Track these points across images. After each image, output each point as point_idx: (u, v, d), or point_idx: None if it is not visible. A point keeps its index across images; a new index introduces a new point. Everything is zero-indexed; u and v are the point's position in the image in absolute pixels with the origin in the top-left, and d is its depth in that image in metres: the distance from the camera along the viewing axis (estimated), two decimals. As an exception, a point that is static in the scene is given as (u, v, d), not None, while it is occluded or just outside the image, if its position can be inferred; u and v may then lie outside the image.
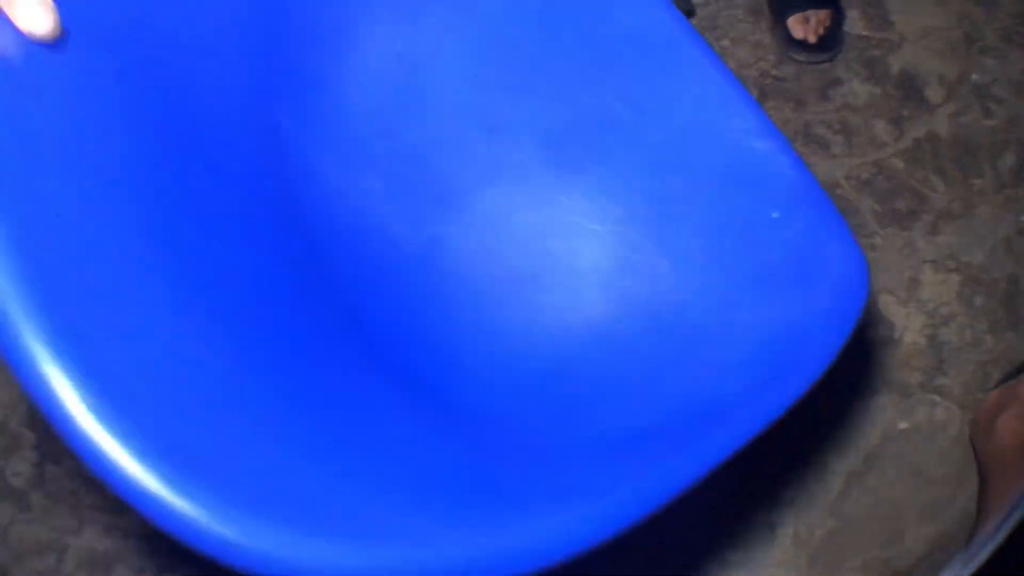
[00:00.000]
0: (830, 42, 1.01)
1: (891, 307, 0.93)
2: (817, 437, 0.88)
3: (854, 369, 0.90)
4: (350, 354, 0.46)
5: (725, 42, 1.02)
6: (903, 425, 0.89)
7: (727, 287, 0.54)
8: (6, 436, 0.87)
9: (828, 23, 1.00)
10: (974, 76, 1.03)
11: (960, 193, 0.98)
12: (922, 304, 0.93)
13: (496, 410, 0.51)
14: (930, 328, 0.93)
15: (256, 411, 0.37)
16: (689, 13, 1.02)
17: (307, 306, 0.46)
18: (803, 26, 0.99)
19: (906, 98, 1.01)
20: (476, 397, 0.51)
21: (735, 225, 0.55)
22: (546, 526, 0.36)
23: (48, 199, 0.33)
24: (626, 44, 0.55)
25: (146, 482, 0.31)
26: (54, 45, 0.36)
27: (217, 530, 0.32)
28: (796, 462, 0.87)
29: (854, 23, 1.05)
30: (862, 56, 1.03)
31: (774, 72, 1.01)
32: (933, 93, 1.02)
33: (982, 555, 0.49)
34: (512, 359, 0.53)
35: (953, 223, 0.97)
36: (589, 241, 0.56)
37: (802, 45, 1.00)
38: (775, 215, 0.54)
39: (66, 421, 0.31)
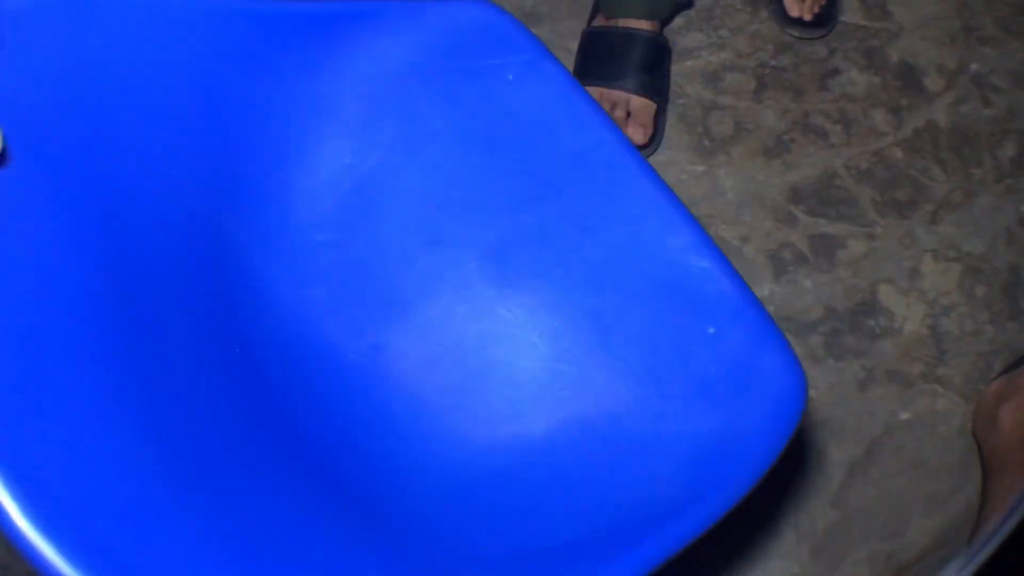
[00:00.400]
0: (825, 19, 1.01)
1: (891, 297, 0.93)
2: (817, 427, 0.87)
3: (854, 359, 0.90)
4: (284, 464, 0.48)
5: (723, 32, 1.01)
6: (904, 415, 0.88)
7: (662, 399, 0.56)
8: None
9: (823, 1, 1.00)
10: (973, 66, 1.02)
11: (960, 183, 0.97)
12: (923, 294, 0.93)
13: (427, 520, 0.52)
14: (931, 318, 0.92)
15: (185, 526, 0.38)
16: (688, 4, 1.01)
17: (244, 415, 0.48)
18: (799, 4, 0.99)
19: (905, 88, 1.01)
20: (406, 506, 0.52)
21: (671, 340, 0.57)
22: None
23: None
24: (569, 165, 0.58)
25: None
26: None
27: None
28: (797, 452, 0.86)
29: (853, 13, 1.04)
30: (861, 46, 1.02)
31: (772, 62, 1.01)
32: (932, 83, 1.01)
33: (983, 555, 0.49)
34: (446, 469, 0.55)
35: (953, 213, 0.96)
36: (527, 353, 0.59)
37: (798, 22, 1.01)
38: (711, 331, 0.55)
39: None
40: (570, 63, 0.98)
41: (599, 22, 0.97)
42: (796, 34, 1.01)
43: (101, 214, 0.41)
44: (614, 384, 0.56)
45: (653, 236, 0.57)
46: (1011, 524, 0.49)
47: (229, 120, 0.50)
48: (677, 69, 1.00)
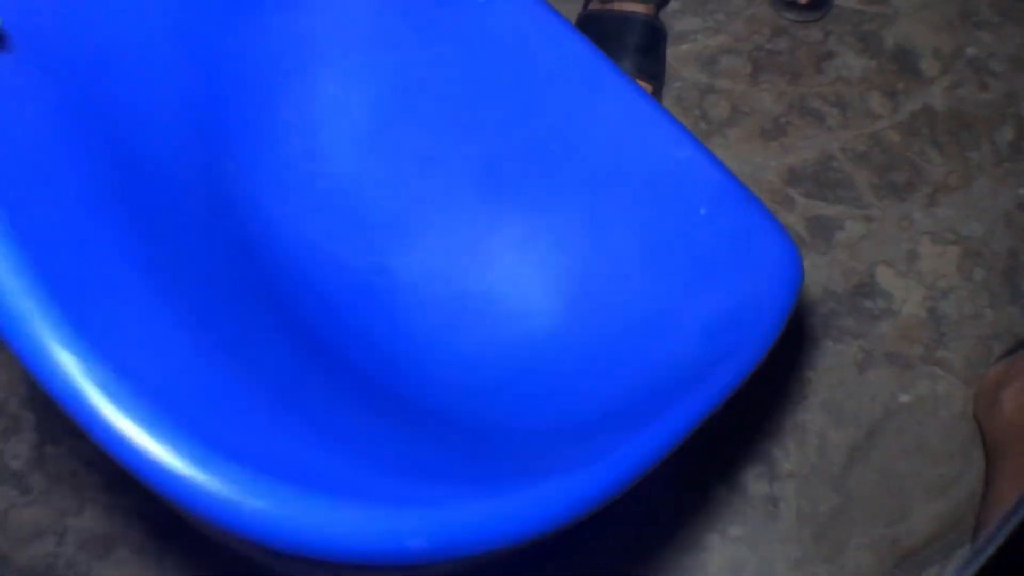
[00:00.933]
0: (820, 2, 1.01)
1: (889, 279, 0.92)
2: (817, 409, 0.86)
3: (852, 340, 0.88)
4: (299, 343, 0.50)
5: (719, 16, 1.01)
6: (904, 398, 0.87)
7: (665, 281, 0.58)
8: (5, 417, 0.85)
9: None
10: (970, 50, 1.02)
11: (957, 166, 0.97)
12: (921, 276, 0.92)
13: (460, 409, 0.54)
14: (930, 301, 0.91)
15: (259, 399, 0.39)
16: None
17: (257, 302, 0.50)
18: None
19: (901, 71, 1.00)
20: (438, 401, 0.54)
21: (666, 227, 0.59)
22: (528, 495, 0.38)
23: (34, 198, 0.36)
24: (548, 79, 0.61)
25: (169, 459, 0.32)
26: None
27: (233, 497, 0.33)
28: (797, 435, 0.85)
29: (848, -3, 1.04)
30: (856, 30, 1.02)
31: (768, 46, 1.00)
32: (928, 66, 1.01)
33: (985, 555, 0.48)
34: (470, 365, 0.57)
35: (951, 196, 0.95)
36: (532, 257, 0.61)
37: (793, 6, 1.00)
38: (702, 212, 0.58)
39: (88, 410, 0.32)
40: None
41: (595, 5, 0.96)
42: (792, 17, 1.00)
43: (100, 113, 0.42)
44: (617, 274, 0.58)
45: (634, 135, 0.59)
46: (1012, 525, 0.47)
47: (217, 55, 0.50)
48: (673, 53, 0.99)
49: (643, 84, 0.92)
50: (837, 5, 1.03)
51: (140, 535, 0.82)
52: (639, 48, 0.93)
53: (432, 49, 0.60)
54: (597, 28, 0.94)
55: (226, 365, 0.39)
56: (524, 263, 0.60)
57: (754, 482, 0.83)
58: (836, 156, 0.96)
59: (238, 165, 0.53)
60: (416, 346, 0.56)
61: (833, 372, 0.87)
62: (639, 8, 0.94)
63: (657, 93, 0.94)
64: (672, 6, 1.01)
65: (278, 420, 0.39)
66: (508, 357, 0.57)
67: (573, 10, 0.98)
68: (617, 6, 0.94)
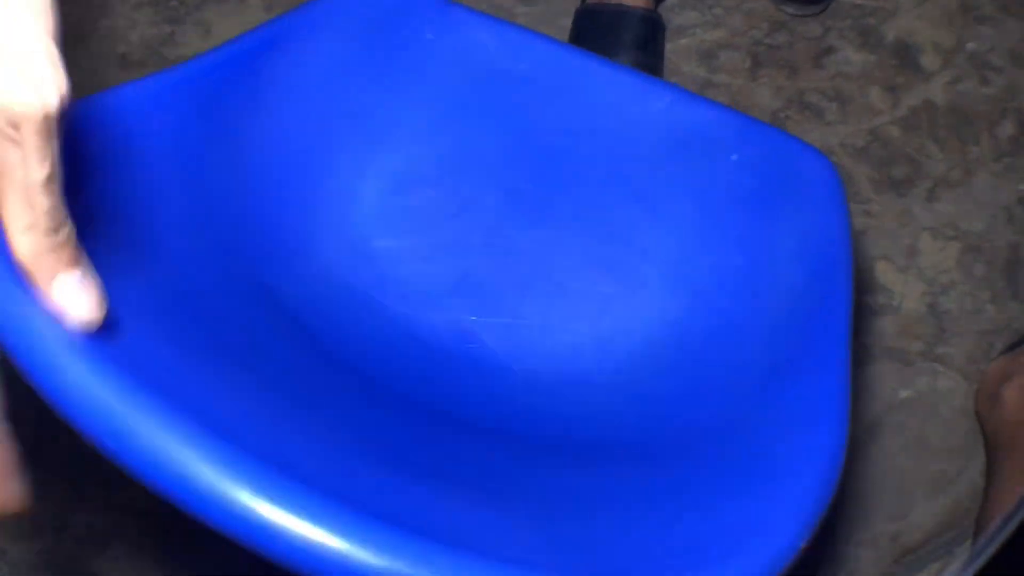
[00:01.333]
0: None
1: (889, 274, 0.91)
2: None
3: (852, 335, 0.88)
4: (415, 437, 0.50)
5: (718, 10, 1.00)
6: (904, 394, 0.87)
7: (718, 230, 0.59)
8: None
9: None
10: (970, 45, 1.01)
11: (958, 161, 0.96)
12: (921, 272, 0.91)
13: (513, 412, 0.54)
14: (930, 296, 0.90)
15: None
16: None
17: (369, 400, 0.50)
18: None
19: (901, 66, 1.00)
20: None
21: (704, 182, 0.60)
22: None
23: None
24: (526, 89, 0.61)
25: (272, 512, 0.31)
26: None
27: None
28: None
29: (847, -8, 1.03)
30: (856, 24, 1.01)
31: (767, 40, 0.99)
32: (929, 61, 1.00)
33: (987, 552, 0.47)
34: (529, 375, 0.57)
35: (951, 191, 0.95)
36: (612, 262, 0.61)
37: (793, 0, 1.00)
38: (734, 158, 0.59)
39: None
40: (563, 40, 0.96)
41: (592, -1, 0.96)
42: (791, 11, 1.00)
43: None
44: (670, 241, 0.59)
45: (637, 108, 0.59)
46: (1014, 523, 0.47)
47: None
48: (671, 47, 0.98)
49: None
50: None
51: (137, 531, 0.82)
52: (637, 42, 0.92)
53: (409, 99, 0.61)
54: (596, 22, 0.94)
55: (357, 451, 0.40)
56: (616, 279, 0.60)
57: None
58: (835, 151, 0.95)
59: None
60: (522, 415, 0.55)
61: (833, 368, 0.87)
62: (638, 2, 0.93)
63: (655, 88, 0.94)
64: (671, 0, 1.01)
65: (412, 490, 0.38)
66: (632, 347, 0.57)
67: (572, 4, 0.98)
68: (616, 0, 0.93)
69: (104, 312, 0.33)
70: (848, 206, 0.54)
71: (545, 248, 0.61)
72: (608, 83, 0.61)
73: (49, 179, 0.29)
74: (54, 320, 0.31)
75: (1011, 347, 0.87)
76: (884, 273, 0.91)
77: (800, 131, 0.96)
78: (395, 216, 0.60)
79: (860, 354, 0.88)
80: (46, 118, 0.29)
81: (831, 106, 0.97)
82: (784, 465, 0.38)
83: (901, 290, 0.90)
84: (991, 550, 0.44)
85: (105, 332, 0.33)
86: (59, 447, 0.84)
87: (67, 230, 0.31)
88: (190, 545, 0.82)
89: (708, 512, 0.37)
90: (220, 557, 0.82)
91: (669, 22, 0.99)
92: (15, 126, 0.28)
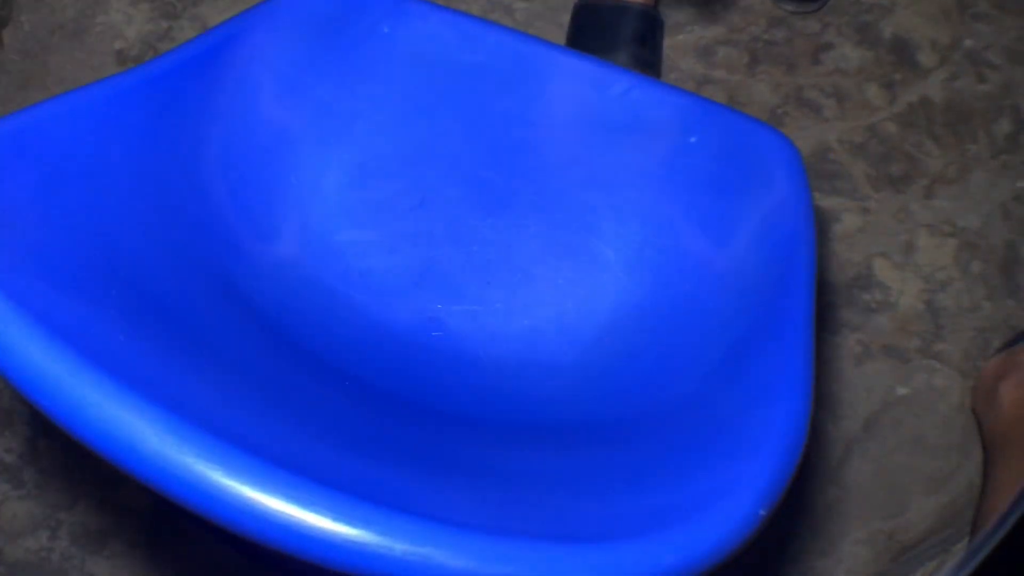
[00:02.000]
0: None
1: (886, 271, 0.91)
2: (813, 402, 0.85)
3: (849, 333, 0.88)
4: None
5: (715, 6, 1.00)
6: (902, 391, 0.87)
7: (685, 209, 0.60)
8: (-8, 411, 0.84)
9: None
10: (967, 42, 1.01)
11: (955, 158, 0.96)
12: (918, 268, 0.91)
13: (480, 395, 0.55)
14: (927, 293, 0.90)
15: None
16: None
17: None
18: None
19: (899, 63, 1.00)
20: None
21: (662, 167, 0.60)
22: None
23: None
24: (480, 77, 0.62)
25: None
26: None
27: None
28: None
29: (845, -11, 1.03)
30: (854, 21, 1.01)
31: (765, 36, 0.99)
32: (926, 58, 1.00)
33: (985, 550, 0.47)
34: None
35: (948, 188, 0.95)
36: (573, 247, 0.62)
37: None
38: (693, 140, 0.60)
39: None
40: (562, 37, 0.96)
41: (590, -5, 0.96)
42: (790, 8, 1.00)
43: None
44: (631, 225, 0.59)
45: (594, 95, 0.60)
46: (1012, 520, 0.47)
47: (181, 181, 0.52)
48: (669, 43, 0.98)
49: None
50: (834, -4, 1.02)
51: (132, 530, 0.82)
52: (636, 38, 0.92)
53: (367, 92, 0.61)
54: (594, 18, 0.93)
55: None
56: (572, 257, 0.61)
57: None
58: (833, 148, 0.95)
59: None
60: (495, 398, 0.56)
61: (830, 365, 0.87)
62: (635, -2, 0.93)
63: (653, 84, 0.94)
64: (668, -3, 1.00)
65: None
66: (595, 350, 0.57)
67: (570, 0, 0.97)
68: (613, -4, 0.93)
69: None
70: (809, 184, 0.54)
71: (507, 236, 0.61)
72: (565, 71, 0.62)
73: None
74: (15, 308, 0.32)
75: (1008, 344, 0.87)
76: (882, 270, 0.91)
77: (798, 127, 0.96)
78: (358, 209, 0.60)
79: (857, 351, 0.87)
80: None
81: (829, 102, 0.97)
82: (746, 438, 0.38)
83: (898, 286, 0.90)
84: (988, 548, 0.44)
85: (68, 323, 0.33)
86: (55, 445, 0.84)
87: None
88: (184, 544, 0.82)
89: (671, 484, 0.38)
90: (213, 556, 0.81)
91: (667, 18, 0.99)
92: None
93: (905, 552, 0.83)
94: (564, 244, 0.60)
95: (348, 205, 0.60)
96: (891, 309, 0.89)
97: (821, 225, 0.92)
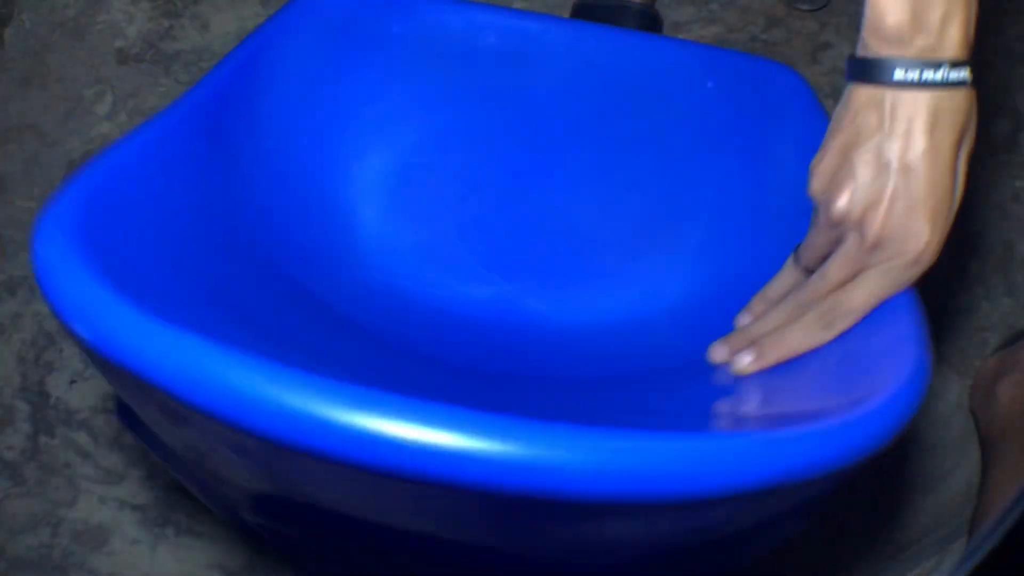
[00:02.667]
0: None
1: (886, 271, 0.91)
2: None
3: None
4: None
5: (714, 6, 1.00)
6: (900, 390, 0.87)
7: (711, 154, 0.63)
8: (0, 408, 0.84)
9: None
10: None
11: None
12: (917, 268, 0.91)
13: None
14: (923, 293, 0.90)
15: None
16: None
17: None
18: None
19: (897, 63, 1.00)
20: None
21: (690, 118, 0.63)
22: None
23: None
24: (494, 62, 0.64)
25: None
26: None
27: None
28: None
29: (844, -12, 1.03)
30: (853, 21, 1.01)
31: (764, 36, 0.99)
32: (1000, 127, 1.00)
33: (983, 550, 0.47)
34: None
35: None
36: (630, 211, 0.64)
37: None
38: (710, 85, 0.62)
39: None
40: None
41: (589, -6, 0.96)
42: (806, 7, 1.00)
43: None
44: (680, 179, 0.62)
45: (606, 60, 0.62)
46: (1010, 520, 0.47)
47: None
48: (668, 43, 0.99)
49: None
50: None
51: (133, 526, 0.82)
52: (634, 38, 0.93)
53: (387, 85, 0.62)
54: (592, 16, 0.94)
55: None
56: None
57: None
58: (832, 147, 0.96)
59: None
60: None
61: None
62: (635, -2, 0.93)
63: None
64: (667, -4, 1.01)
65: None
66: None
67: None
68: (613, -5, 0.93)
69: None
70: (824, 113, 0.56)
71: (559, 211, 0.62)
72: (575, 40, 0.64)
73: None
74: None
75: (1005, 344, 0.87)
76: (879, 269, 0.91)
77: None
78: (411, 209, 0.61)
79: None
80: None
81: (828, 102, 0.97)
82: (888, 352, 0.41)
83: (896, 286, 0.91)
84: (986, 547, 0.44)
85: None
86: (55, 442, 0.85)
87: None
88: (187, 539, 0.82)
89: (834, 388, 0.41)
90: (216, 551, 0.82)
91: (666, 17, 0.99)
92: None
93: (902, 551, 0.83)
94: (621, 210, 0.62)
95: (402, 206, 0.61)
96: (889, 308, 0.90)
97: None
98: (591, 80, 0.63)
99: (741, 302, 0.50)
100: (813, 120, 0.56)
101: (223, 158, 0.50)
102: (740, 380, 0.45)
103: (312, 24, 0.59)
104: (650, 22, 0.94)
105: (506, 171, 0.63)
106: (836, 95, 0.97)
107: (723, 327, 0.50)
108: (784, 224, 0.54)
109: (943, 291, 0.90)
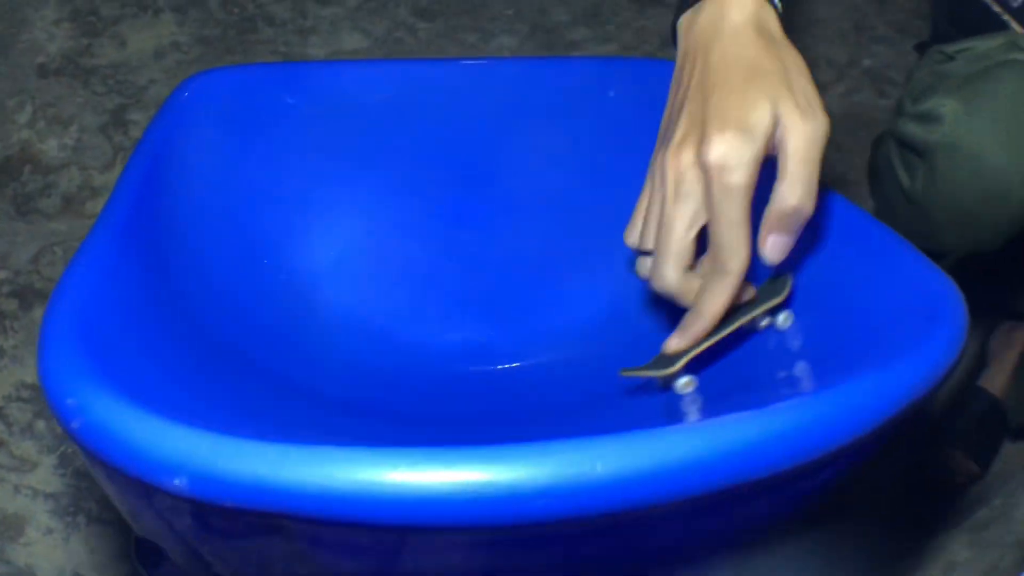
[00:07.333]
0: None
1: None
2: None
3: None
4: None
5: (609, 27, 1.04)
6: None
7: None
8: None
9: None
10: (866, 61, 1.02)
11: (855, 163, 0.95)
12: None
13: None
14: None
15: None
16: None
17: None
18: None
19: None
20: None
21: (610, 120, 0.61)
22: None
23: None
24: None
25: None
26: None
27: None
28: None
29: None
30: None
31: (658, 55, 1.02)
32: (822, 74, 1.01)
33: None
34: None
35: (848, 191, 0.93)
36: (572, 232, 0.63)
37: None
38: (611, 94, 0.61)
39: None
40: (462, 54, 0.99)
41: None
42: None
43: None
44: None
45: (502, 91, 0.62)
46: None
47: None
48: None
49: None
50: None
51: (46, 515, 0.78)
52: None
53: (356, 147, 0.63)
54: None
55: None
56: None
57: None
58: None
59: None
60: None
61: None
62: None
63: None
64: (562, 18, 1.04)
65: None
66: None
67: (471, 23, 1.02)
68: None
69: None
70: None
71: (503, 245, 0.61)
72: (476, 76, 0.64)
73: None
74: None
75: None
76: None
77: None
78: (366, 276, 0.61)
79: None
80: None
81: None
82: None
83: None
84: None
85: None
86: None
87: None
88: (98, 528, 0.78)
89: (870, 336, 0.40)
90: (126, 540, 0.76)
91: (562, 37, 1.02)
92: None
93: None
94: (545, 235, 0.61)
95: (355, 278, 0.60)
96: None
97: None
98: (498, 111, 0.63)
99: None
100: None
101: (159, 271, 0.49)
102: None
103: (205, 115, 0.58)
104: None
105: (446, 222, 0.62)
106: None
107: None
108: None
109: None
